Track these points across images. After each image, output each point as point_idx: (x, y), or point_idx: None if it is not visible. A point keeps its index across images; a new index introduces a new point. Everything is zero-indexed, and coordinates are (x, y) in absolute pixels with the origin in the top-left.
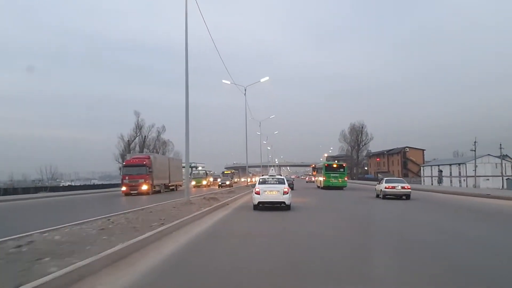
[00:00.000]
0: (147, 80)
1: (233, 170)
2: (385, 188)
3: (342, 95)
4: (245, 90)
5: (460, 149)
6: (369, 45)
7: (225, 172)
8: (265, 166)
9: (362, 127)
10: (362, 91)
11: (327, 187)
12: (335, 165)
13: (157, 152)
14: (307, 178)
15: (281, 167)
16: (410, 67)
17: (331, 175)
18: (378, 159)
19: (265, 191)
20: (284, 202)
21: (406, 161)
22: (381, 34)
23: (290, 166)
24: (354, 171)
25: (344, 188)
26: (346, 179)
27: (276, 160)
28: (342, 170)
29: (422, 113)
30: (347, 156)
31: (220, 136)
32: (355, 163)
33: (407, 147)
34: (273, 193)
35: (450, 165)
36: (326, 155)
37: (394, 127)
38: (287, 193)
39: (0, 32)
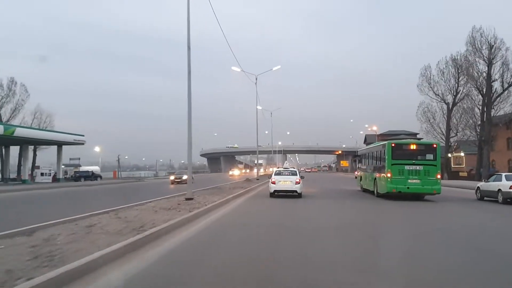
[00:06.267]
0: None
1: None
2: (510, 188)
3: (349, 84)
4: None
5: None
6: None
7: None
8: (263, 152)
9: (495, 42)
10: (371, 83)
11: (396, 195)
12: (413, 146)
13: None
14: (312, 169)
15: (287, 155)
16: None
17: (406, 168)
18: None
19: (280, 181)
20: (296, 191)
21: None
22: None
23: (299, 152)
24: (452, 159)
25: (426, 196)
26: (438, 176)
27: (279, 142)
28: (430, 155)
29: None
30: (413, 132)
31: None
32: (485, 136)
33: None
34: (287, 183)
35: None
36: (374, 128)
37: None
38: (299, 183)
39: None
